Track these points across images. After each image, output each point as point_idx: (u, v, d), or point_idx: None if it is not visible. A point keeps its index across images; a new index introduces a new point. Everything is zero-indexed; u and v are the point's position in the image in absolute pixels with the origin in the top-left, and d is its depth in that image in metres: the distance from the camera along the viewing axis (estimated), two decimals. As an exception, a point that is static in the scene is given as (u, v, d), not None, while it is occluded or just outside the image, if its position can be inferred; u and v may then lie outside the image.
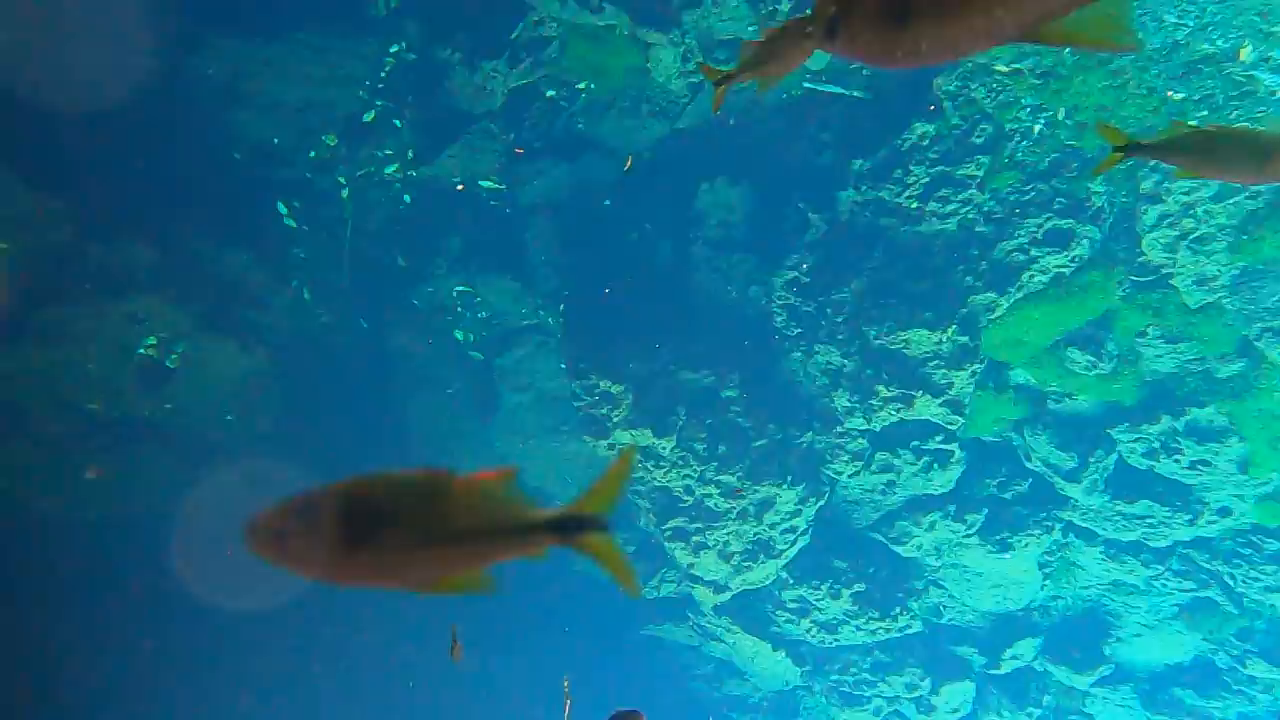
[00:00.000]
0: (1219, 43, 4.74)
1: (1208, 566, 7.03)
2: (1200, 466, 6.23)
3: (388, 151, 6.69)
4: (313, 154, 6.46)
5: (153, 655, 7.00)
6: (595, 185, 7.02)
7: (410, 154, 6.71)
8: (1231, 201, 5.19)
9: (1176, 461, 6.25)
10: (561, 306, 7.07)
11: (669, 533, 7.18)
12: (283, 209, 6.51)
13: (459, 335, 7.35)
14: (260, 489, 7.19)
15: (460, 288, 7.13)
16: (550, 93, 6.84)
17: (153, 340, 6.20)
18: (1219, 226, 5.31)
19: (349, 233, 6.75)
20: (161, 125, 5.80)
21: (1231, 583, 6.97)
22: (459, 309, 7.27)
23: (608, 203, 6.98)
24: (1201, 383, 6.07)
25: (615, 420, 6.74)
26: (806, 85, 6.42)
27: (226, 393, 6.70)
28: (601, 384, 6.69)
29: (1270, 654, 7.40)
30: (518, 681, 8.12)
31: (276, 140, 6.29)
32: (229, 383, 6.61)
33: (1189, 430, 6.16)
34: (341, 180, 6.62)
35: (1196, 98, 4.97)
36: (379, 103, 6.55)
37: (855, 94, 6.31)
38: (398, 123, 6.63)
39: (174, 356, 6.34)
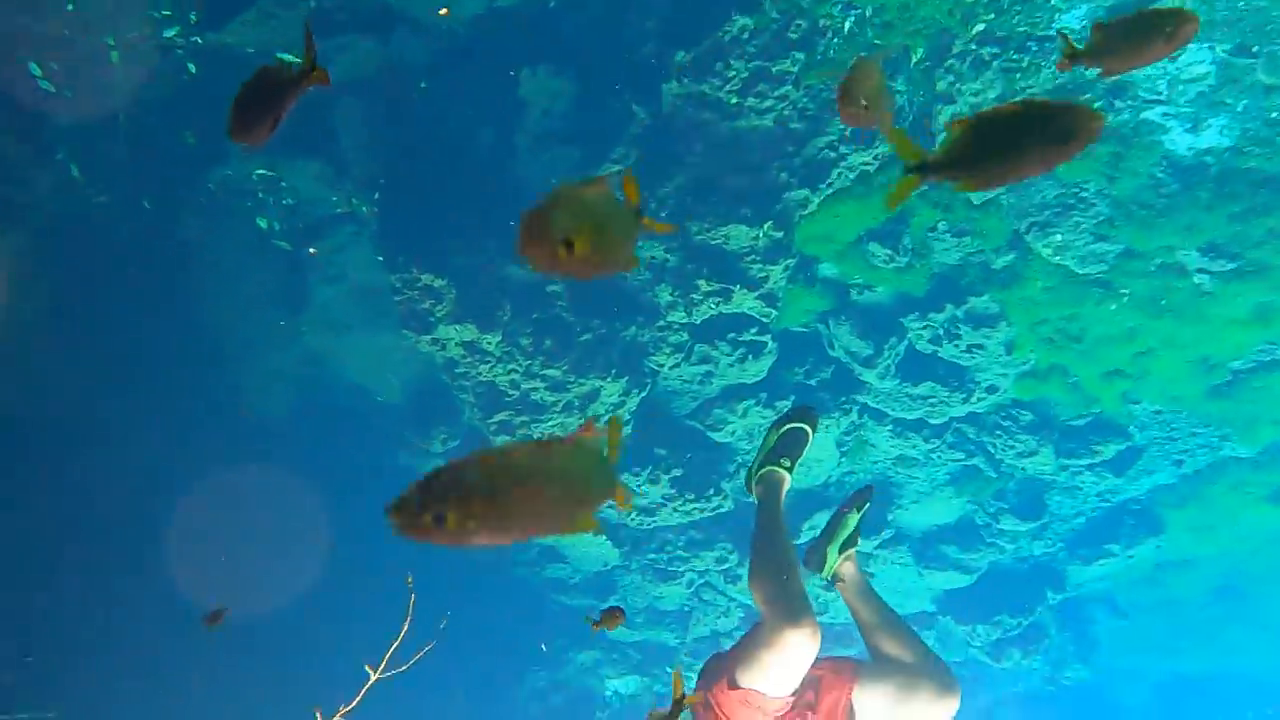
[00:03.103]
0: (1008, -49, 5.09)
1: (975, 438, 7.99)
2: (975, 350, 7.00)
3: (165, 12, 5.89)
4: (70, 6, 5.56)
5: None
6: (409, 65, 6.57)
7: (193, 17, 5.95)
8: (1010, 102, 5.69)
9: (956, 346, 6.98)
10: (376, 195, 6.67)
11: (494, 426, 7.18)
12: (35, 70, 5.58)
13: (261, 223, 6.76)
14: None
15: (261, 171, 6.52)
16: (354, -41, 6.26)
17: (-119, 218, 5.24)
18: (1002, 128, 5.82)
19: (124, 102, 5.94)
20: None
21: (993, 451, 7.97)
22: (261, 194, 6.66)
23: (424, 85, 6.58)
24: (979, 273, 6.75)
25: (438, 315, 6.55)
26: (629, -29, 6.26)
27: (-17, 280, 5.84)
28: (423, 277, 6.44)
29: (1018, 510, 8.61)
30: (355, 592, 7.93)
31: (22, -14, 5.37)
32: (-15, 269, 5.75)
33: (967, 317, 6.87)
34: (110, 41, 5.76)
35: (986, 0, 5.35)
36: (151, -47, 5.72)
37: (677, -19, 6.23)
38: (176, -21, 5.84)
39: (-89, 237, 5.41)
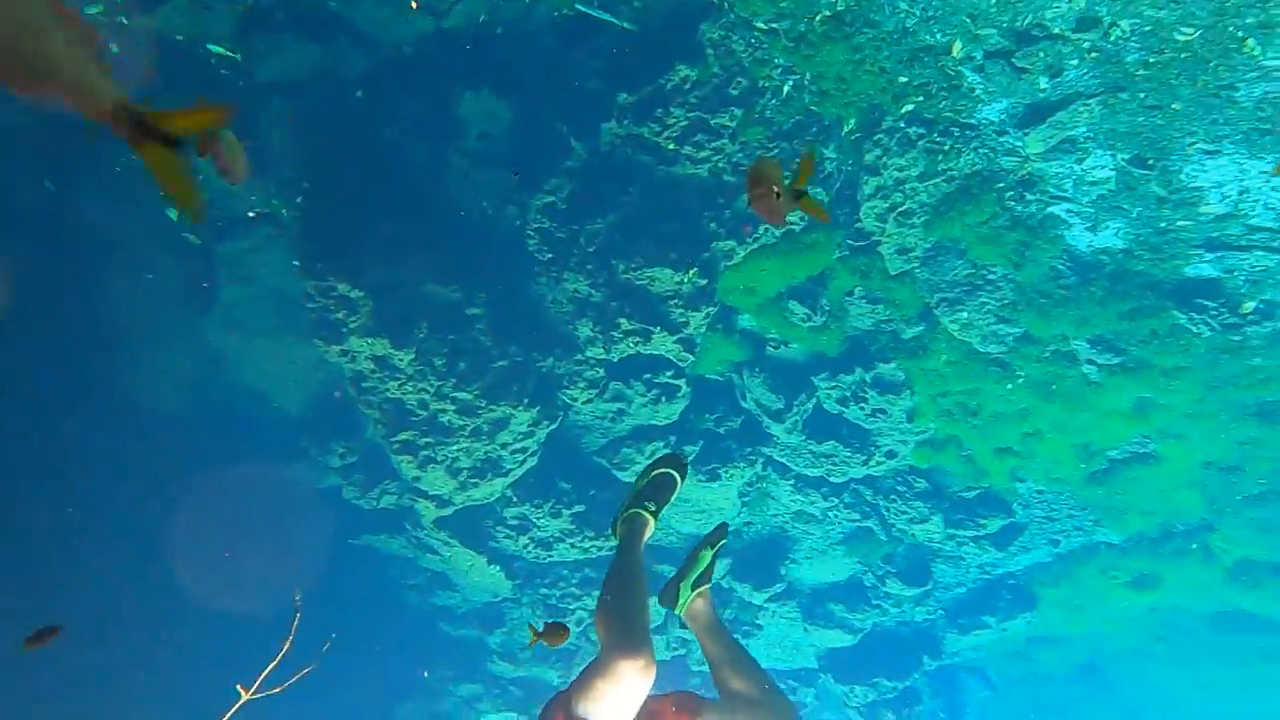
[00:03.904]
0: (938, 36, 5.36)
1: (871, 500, 8.20)
2: (878, 414, 7.21)
3: (91, -14, 5.64)
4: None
5: None
6: (346, 73, 6.46)
7: (120, -4, 5.71)
8: (933, 182, 5.97)
9: (861, 409, 7.18)
10: (299, 199, 6.48)
11: (397, 445, 6.99)
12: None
13: (172, 214, 6.48)
14: None
15: (178, 160, 6.26)
16: (300, -40, 6.15)
17: None
18: (920, 204, 6.09)
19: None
20: None
21: (886, 515, 8.19)
22: (175, 184, 6.38)
23: (359, 94, 6.47)
24: (889, 341, 6.99)
25: (351, 326, 6.37)
26: (579, 7, 6.34)
27: None
28: (339, 287, 6.28)
29: (904, 574, 8.84)
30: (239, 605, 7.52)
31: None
32: None
33: (875, 382, 7.09)
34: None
35: (917, 83, 5.62)
36: (79, -74, 5.48)
37: (625, 25, 6.34)
38: (105, -45, 5.61)
39: None
